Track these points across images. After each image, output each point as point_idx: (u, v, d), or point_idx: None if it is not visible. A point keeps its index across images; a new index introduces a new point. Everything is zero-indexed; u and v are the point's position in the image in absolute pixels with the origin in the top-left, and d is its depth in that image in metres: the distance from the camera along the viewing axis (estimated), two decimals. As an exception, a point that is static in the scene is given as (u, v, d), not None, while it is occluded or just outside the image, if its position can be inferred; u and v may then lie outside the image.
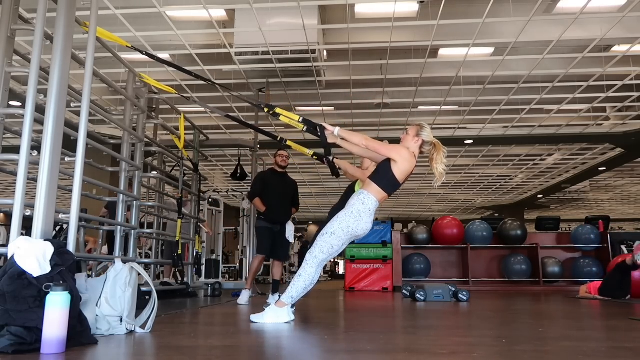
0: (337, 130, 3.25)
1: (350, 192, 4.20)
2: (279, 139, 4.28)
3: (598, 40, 7.27)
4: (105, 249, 6.38)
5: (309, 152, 4.27)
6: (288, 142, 4.28)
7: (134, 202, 4.61)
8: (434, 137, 3.26)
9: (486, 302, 5.24)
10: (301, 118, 3.47)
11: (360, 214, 3.08)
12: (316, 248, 3.12)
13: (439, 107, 10.28)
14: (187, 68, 5.90)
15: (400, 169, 3.11)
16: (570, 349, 2.13)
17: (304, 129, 3.52)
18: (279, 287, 4.94)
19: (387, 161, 3.15)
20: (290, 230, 5.08)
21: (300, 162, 14.90)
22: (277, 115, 3.65)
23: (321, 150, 3.79)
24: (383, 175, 3.14)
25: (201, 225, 8.32)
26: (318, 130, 3.34)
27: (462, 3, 6.72)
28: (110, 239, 5.65)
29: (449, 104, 10.15)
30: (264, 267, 10.71)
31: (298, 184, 5.44)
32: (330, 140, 3.35)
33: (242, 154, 8.73)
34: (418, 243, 8.85)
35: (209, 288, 6.39)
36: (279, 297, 3.27)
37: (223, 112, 4.72)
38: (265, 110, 3.62)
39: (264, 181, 5.11)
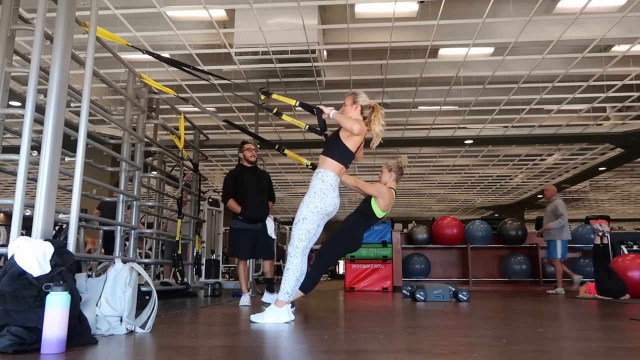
0: (332, 113, 3.32)
1: (366, 201, 4.14)
2: (277, 146, 4.30)
3: (598, 40, 7.26)
4: (102, 250, 6.36)
5: (307, 162, 4.27)
6: (286, 152, 4.30)
7: (134, 202, 4.61)
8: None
9: (486, 302, 5.24)
10: (298, 102, 3.59)
11: (323, 191, 3.16)
12: (294, 238, 3.18)
13: (439, 107, 10.27)
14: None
15: (353, 140, 3.21)
16: (570, 349, 2.13)
17: (305, 127, 3.59)
18: (274, 285, 4.89)
19: (337, 134, 3.25)
20: (270, 226, 4.89)
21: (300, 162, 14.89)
22: (279, 115, 3.70)
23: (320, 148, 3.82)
24: (335, 148, 3.23)
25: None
26: (315, 112, 3.42)
27: (462, 3, 6.72)
28: (106, 240, 5.56)
29: (449, 104, 10.15)
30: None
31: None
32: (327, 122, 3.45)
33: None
34: (418, 243, 8.85)
35: (209, 288, 6.39)
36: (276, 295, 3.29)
37: (220, 116, 4.73)
38: (263, 97, 3.71)
39: (236, 180, 4.83)
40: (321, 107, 3.40)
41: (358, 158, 4.12)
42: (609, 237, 6.22)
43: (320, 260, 4.00)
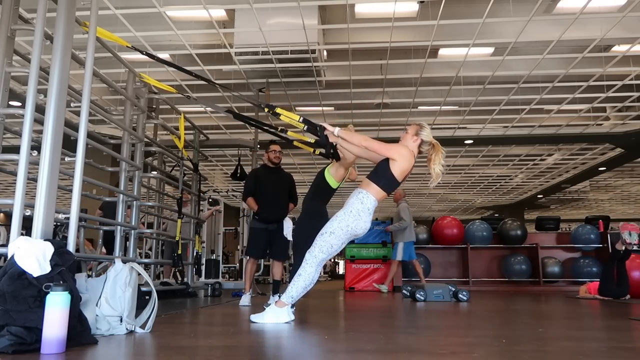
0: (337, 130, 3.26)
1: (319, 177, 4.22)
2: (280, 129, 4.25)
3: (598, 40, 7.26)
4: (103, 250, 6.35)
5: (312, 140, 4.20)
6: (289, 133, 4.23)
7: (134, 202, 4.61)
8: (434, 137, 3.28)
9: (486, 302, 5.24)
10: (301, 118, 3.49)
11: (359, 213, 3.08)
12: (315, 247, 3.12)
13: (439, 107, 10.27)
14: (187, 68, 5.89)
15: (399, 168, 3.11)
16: (570, 349, 2.13)
17: (304, 129, 3.55)
18: (280, 287, 4.88)
19: (386, 161, 3.15)
20: (288, 227, 4.88)
21: (300, 162, 14.89)
22: (277, 115, 3.67)
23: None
24: (382, 174, 3.14)
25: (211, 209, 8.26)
26: (318, 130, 3.36)
27: (462, 3, 6.72)
28: (107, 240, 5.57)
29: (449, 104, 10.14)
30: (265, 267, 10.70)
31: (298, 184, 5.34)
32: (330, 140, 3.38)
33: (242, 154, 8.72)
34: (418, 243, 8.84)
35: (209, 288, 6.39)
36: (279, 297, 3.27)
37: (222, 107, 4.69)
38: (266, 110, 3.66)
39: (257, 179, 4.89)
40: (324, 124, 3.35)
41: (352, 177, 4.14)
42: (634, 248, 5.79)
43: (302, 251, 4.02)
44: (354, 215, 3.08)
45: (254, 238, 4.83)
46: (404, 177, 3.19)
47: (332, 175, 4.11)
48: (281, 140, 4.46)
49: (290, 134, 4.17)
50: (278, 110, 3.61)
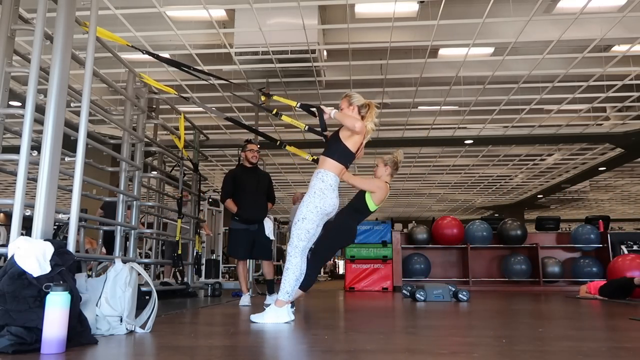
0: (333, 112, 3.35)
1: (360, 196, 4.10)
2: (278, 142, 4.28)
3: (598, 40, 7.26)
4: (103, 250, 6.35)
5: (309, 157, 4.23)
6: (287, 148, 4.28)
7: (134, 202, 4.61)
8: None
9: (486, 302, 5.23)
10: (299, 103, 3.62)
11: (322, 191, 3.19)
12: (294, 237, 3.21)
13: (439, 107, 10.27)
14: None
15: (353, 140, 3.25)
16: (570, 349, 2.13)
17: (305, 128, 3.60)
18: (274, 285, 4.87)
19: (337, 134, 3.28)
20: (269, 227, 4.87)
21: (300, 162, 14.89)
22: (278, 115, 3.71)
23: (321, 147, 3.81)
24: (335, 148, 3.27)
25: (202, 226, 8.30)
26: (317, 113, 3.43)
27: (462, 3, 6.72)
28: (107, 240, 5.56)
29: (449, 104, 10.15)
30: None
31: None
32: (325, 117, 3.45)
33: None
34: (418, 243, 8.84)
35: (209, 288, 6.39)
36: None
37: (222, 114, 4.72)
38: (263, 98, 3.76)
39: (235, 180, 4.83)
40: (322, 107, 3.41)
41: (358, 156, 4.11)
42: None
43: (316, 256, 3.96)
44: (319, 194, 3.18)
45: (236, 239, 4.77)
46: (358, 147, 3.31)
47: (374, 200, 3.99)
48: (275, 141, 4.46)
49: (289, 148, 4.21)
50: (275, 97, 3.78)
